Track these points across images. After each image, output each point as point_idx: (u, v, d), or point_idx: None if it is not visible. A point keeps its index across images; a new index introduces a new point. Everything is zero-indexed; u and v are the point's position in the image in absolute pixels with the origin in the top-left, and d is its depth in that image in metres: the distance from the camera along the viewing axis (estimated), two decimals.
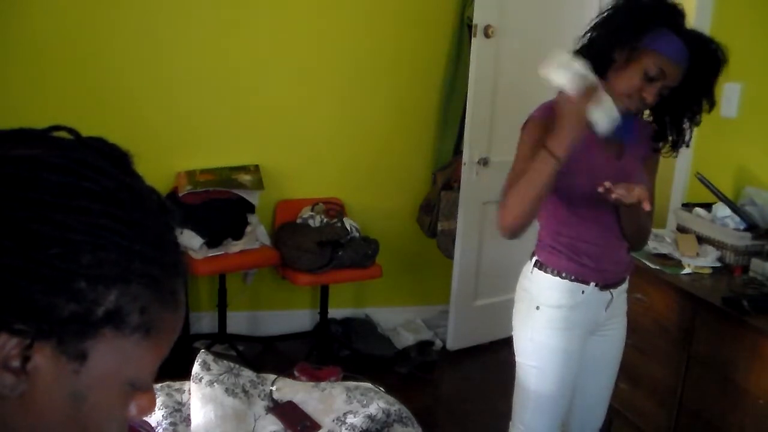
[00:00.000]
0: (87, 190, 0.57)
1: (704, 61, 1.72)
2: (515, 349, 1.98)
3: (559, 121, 1.67)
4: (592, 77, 1.64)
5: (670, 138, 1.88)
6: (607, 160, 1.83)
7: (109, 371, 0.59)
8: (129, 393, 0.62)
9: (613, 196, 1.67)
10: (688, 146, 1.92)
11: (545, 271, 1.90)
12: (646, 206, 1.68)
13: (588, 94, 1.63)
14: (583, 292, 1.88)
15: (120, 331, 0.58)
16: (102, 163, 0.60)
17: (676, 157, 1.98)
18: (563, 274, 1.88)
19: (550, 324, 1.89)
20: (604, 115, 1.63)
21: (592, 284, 1.88)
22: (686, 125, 1.85)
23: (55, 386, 0.57)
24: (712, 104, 1.80)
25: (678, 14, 1.71)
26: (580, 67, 1.64)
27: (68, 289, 0.55)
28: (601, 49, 1.76)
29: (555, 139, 1.67)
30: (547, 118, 1.77)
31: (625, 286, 1.99)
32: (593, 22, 1.80)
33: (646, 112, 1.91)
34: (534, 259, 1.94)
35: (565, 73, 1.62)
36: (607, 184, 1.68)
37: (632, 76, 1.72)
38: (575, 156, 1.71)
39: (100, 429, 0.61)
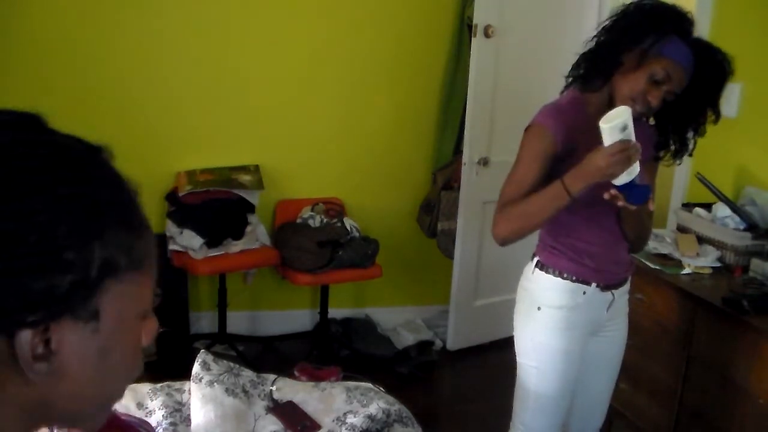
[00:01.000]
0: (27, 168, 0.57)
1: (710, 71, 1.72)
2: (516, 350, 1.98)
3: (587, 166, 1.65)
4: (634, 139, 1.62)
5: (672, 147, 1.88)
6: None
7: (122, 315, 0.62)
8: (140, 324, 0.66)
9: (620, 203, 1.67)
10: (691, 155, 1.92)
11: (546, 272, 1.90)
12: (651, 206, 1.70)
13: (629, 159, 1.61)
14: (584, 292, 1.88)
15: (117, 277, 0.60)
16: (23, 135, 0.59)
17: (679, 164, 1.97)
18: (564, 275, 1.88)
19: (551, 324, 1.89)
20: (626, 176, 1.64)
21: (593, 285, 1.88)
22: (690, 135, 1.85)
23: (82, 350, 0.60)
24: (718, 115, 1.80)
25: (687, 22, 1.72)
26: (631, 128, 1.62)
27: (59, 265, 0.56)
28: (609, 53, 1.76)
29: (576, 179, 1.66)
30: (555, 127, 1.77)
31: (626, 287, 1.99)
32: (602, 26, 1.80)
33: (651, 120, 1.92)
34: (535, 259, 1.94)
35: (618, 134, 1.61)
36: (613, 191, 1.67)
37: (638, 79, 1.72)
38: (578, 160, 1.71)
39: (128, 367, 0.66)
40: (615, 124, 1.61)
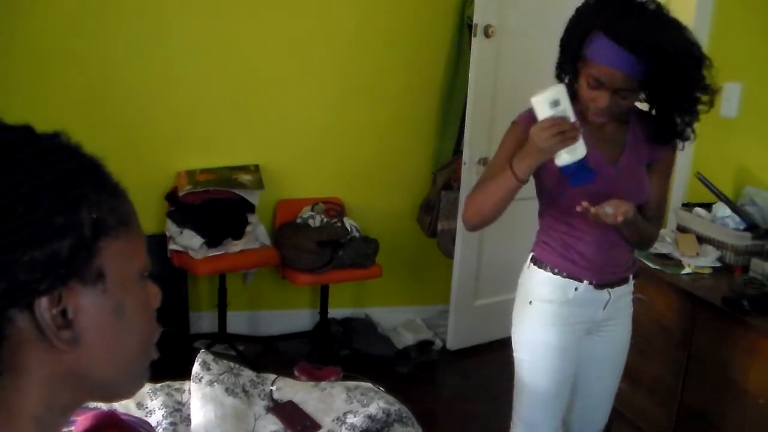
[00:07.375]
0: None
1: (653, 54, 1.60)
2: (512, 344, 2.00)
3: (527, 145, 1.68)
4: (572, 118, 1.64)
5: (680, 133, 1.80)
6: (603, 163, 1.82)
7: (124, 272, 0.67)
8: (144, 284, 0.71)
9: (593, 210, 1.68)
10: (690, 139, 1.83)
11: (539, 267, 1.91)
12: (618, 220, 1.68)
13: (563, 136, 1.61)
14: (576, 289, 1.88)
15: (110, 236, 0.65)
16: None
17: (682, 149, 1.92)
18: (555, 270, 1.89)
19: (541, 319, 1.90)
20: (568, 156, 1.66)
21: (585, 282, 1.88)
22: (679, 120, 1.76)
23: (98, 312, 0.65)
24: (712, 94, 1.70)
25: (614, 16, 1.62)
26: (567, 106, 1.64)
27: (53, 231, 0.60)
28: (559, 62, 1.82)
29: (519, 159, 1.70)
30: (528, 125, 1.76)
31: (627, 288, 1.97)
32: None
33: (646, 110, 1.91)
34: (530, 254, 1.96)
35: (548, 108, 1.64)
36: (585, 204, 1.69)
37: (582, 87, 1.73)
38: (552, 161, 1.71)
39: (144, 326, 0.71)
40: (543, 97, 1.64)
